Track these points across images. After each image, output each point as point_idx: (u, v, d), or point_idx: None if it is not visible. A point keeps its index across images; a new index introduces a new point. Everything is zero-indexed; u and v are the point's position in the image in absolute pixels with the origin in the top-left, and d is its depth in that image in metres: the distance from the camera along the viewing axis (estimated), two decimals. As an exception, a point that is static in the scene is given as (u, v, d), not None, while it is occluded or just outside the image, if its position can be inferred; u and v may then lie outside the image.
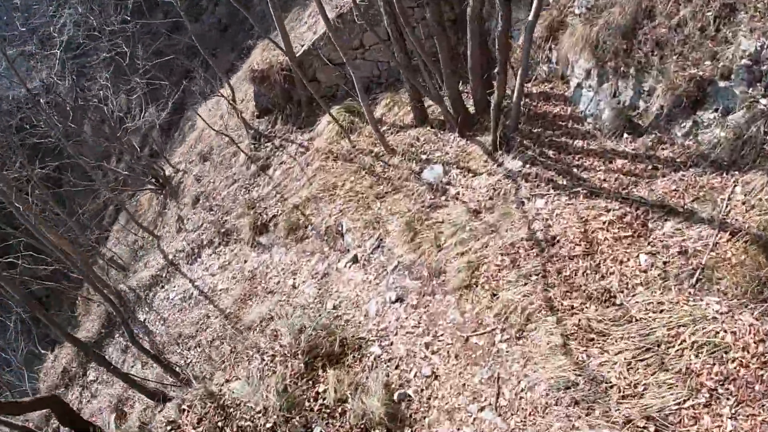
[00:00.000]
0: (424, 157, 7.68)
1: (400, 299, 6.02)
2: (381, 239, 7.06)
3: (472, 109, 7.57)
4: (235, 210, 9.60)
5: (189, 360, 8.19)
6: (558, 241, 5.03)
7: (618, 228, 4.81)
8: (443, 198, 6.75)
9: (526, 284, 4.85)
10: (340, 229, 7.79)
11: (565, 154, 5.99)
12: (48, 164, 11.79)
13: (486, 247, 5.52)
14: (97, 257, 13.38)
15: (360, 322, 6.13)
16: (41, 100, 11.48)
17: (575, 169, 5.67)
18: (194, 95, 12.99)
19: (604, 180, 5.40)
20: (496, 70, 6.01)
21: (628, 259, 4.64)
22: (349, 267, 7.22)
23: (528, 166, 6.12)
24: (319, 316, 6.35)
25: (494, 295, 5.15)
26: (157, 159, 13.52)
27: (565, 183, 5.58)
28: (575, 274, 4.73)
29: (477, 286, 5.37)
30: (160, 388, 7.16)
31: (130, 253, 13.73)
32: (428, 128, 8.11)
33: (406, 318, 5.71)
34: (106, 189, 13.52)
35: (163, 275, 9.98)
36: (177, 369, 7.27)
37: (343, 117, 9.16)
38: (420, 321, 5.56)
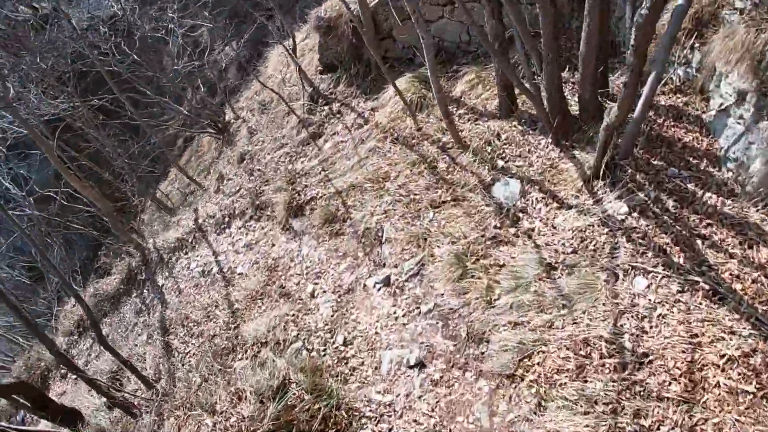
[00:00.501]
0: (500, 163, 6.16)
1: (421, 364, 4.77)
2: (423, 264, 5.77)
3: (574, 110, 5.87)
4: (275, 181, 8.58)
5: (187, 350, 7.42)
6: (650, 363, 3.49)
7: (739, 374, 3.17)
8: (512, 230, 5.29)
9: (587, 413, 3.38)
10: (380, 234, 6.56)
11: (689, 210, 4.27)
12: (105, 96, 11.25)
13: (549, 328, 4.06)
14: (145, 198, 13.02)
15: (365, 379, 4.97)
16: (104, 29, 10.86)
17: (700, 242, 3.98)
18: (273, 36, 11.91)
19: (738, 277, 3.68)
20: (624, 78, 4.28)
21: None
22: (379, 289, 6.03)
23: (635, 214, 4.50)
24: (322, 354, 5.17)
25: (541, 405, 3.70)
26: (227, 100, 12.70)
27: (681, 262, 3.93)
28: (658, 428, 3.17)
29: (522, 381, 4.00)
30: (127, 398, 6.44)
31: (180, 197, 13.27)
32: (514, 123, 6.53)
33: (420, 397, 4.49)
34: (168, 126, 12.99)
35: (189, 240, 9.27)
36: (151, 380, 6.45)
37: (414, 89, 7.72)
38: (435, 408, 4.32)
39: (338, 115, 8.90)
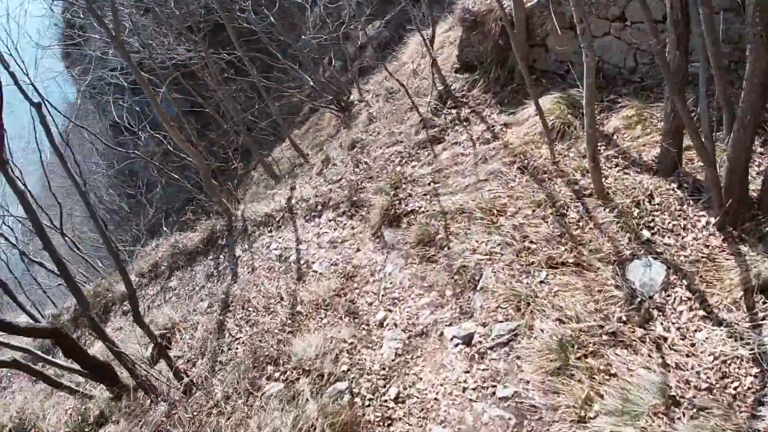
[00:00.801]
0: (646, 234, 5.07)
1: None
2: (517, 335, 4.89)
3: (753, 189, 4.63)
4: (378, 180, 7.96)
5: (238, 336, 7.04)
6: None
7: None
8: (639, 332, 4.28)
9: None
10: (476, 278, 5.72)
11: None
12: (233, 52, 11.19)
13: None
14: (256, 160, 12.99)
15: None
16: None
17: None
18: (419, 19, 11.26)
19: None
20: None
21: None
22: (456, 345, 5.27)
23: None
24: (366, 404, 4.47)
25: None
26: (356, 79, 12.27)
27: None
28: None
29: None
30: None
31: (288, 167, 13.12)
32: (673, 186, 5.42)
33: None
34: (292, 94, 12.80)
35: (277, 219, 8.92)
36: (181, 370, 6.07)
37: (559, 112, 6.73)
38: None
39: (465, 123, 8.05)
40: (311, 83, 11.77)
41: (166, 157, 13.05)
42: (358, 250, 7.40)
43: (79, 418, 6.52)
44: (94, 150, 16.52)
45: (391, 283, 6.52)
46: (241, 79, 12.30)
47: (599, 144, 6.16)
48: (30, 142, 11.75)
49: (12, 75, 5.57)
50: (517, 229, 5.86)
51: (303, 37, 10.94)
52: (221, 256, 9.33)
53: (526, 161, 6.67)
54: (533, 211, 6.01)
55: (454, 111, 8.37)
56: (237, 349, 7.12)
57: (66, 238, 11.28)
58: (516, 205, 6.20)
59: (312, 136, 13.92)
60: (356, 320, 6.20)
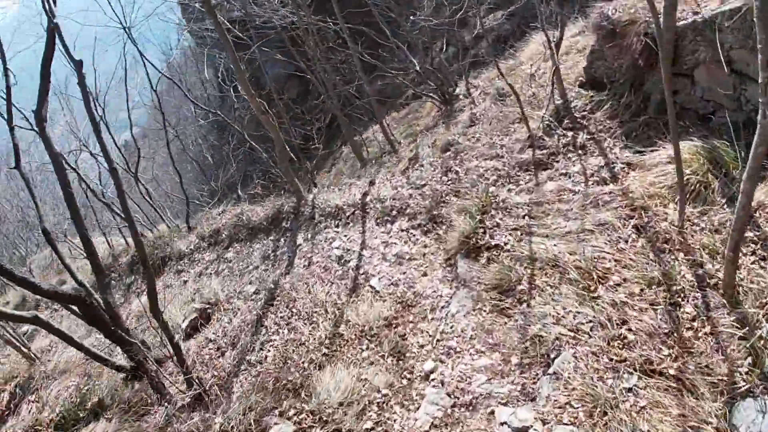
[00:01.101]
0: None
1: None
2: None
3: None
4: (465, 197, 6.90)
5: (272, 339, 6.38)
6: None
7: None
8: None
9: None
10: (551, 356, 4.63)
11: None
12: (336, 21, 10.37)
13: None
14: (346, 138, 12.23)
15: None
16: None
17: None
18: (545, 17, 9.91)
19: None
20: None
21: None
22: None
23: None
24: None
25: None
26: (466, 71, 11.14)
27: None
28: None
29: None
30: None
31: (377, 152, 12.28)
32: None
33: None
34: (395, 75, 11.85)
35: (347, 214, 8.10)
36: (195, 382, 5.39)
37: (698, 165, 5.44)
38: None
39: (580, 151, 6.81)
40: (417, 68, 10.77)
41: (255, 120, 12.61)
42: (425, 274, 6.45)
43: (78, 400, 6.09)
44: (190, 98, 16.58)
45: (451, 327, 5.54)
46: (346, 52, 11.49)
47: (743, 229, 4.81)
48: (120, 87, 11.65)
49: (56, 27, 5.01)
50: (616, 308, 4.68)
51: (414, 16, 9.93)
52: (282, 240, 8.69)
53: (645, 220, 5.39)
54: (641, 289, 4.79)
55: (569, 133, 7.11)
56: (269, 351, 6.47)
57: (140, 184, 11.12)
58: (622, 275, 4.99)
59: (409, 123, 12.96)
60: (400, 363, 5.30)
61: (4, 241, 18.58)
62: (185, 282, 9.56)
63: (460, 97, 10.77)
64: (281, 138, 8.08)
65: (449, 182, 7.56)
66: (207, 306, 8.08)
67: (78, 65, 5.08)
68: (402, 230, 7.29)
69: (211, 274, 9.20)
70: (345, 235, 7.81)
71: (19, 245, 18.83)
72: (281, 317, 6.92)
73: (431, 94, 11.25)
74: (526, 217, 6.24)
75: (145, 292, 10.59)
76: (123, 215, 5.45)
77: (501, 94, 9.19)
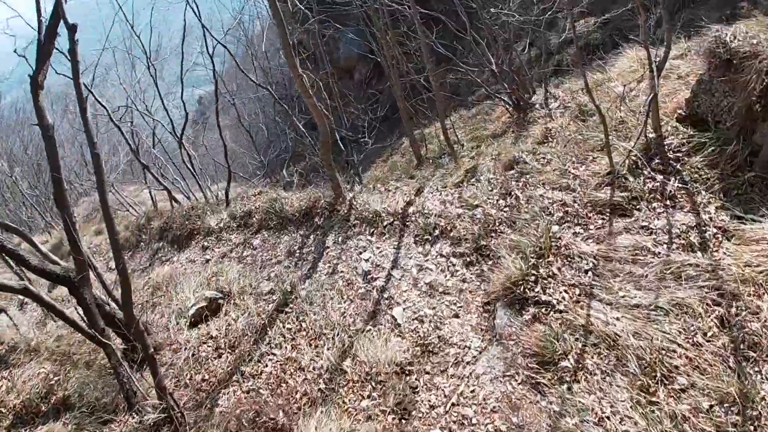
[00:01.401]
0: None
1: None
2: None
3: None
4: (521, 233, 5.87)
5: (273, 355, 5.68)
6: None
7: None
8: None
9: None
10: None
11: None
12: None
13: None
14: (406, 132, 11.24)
15: None
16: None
17: None
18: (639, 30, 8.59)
19: None
20: None
21: None
22: None
23: None
24: None
25: None
26: (546, 77, 9.95)
27: None
28: None
29: None
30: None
31: (437, 152, 11.26)
32: None
33: None
34: (466, 71, 10.74)
35: (384, 224, 7.25)
36: (168, 401, 4.69)
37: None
38: None
39: (668, 202, 5.65)
40: (493, 67, 9.67)
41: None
42: (457, 316, 5.52)
43: (44, 390, 5.52)
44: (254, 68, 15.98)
45: (472, 391, 4.62)
46: (416, 39, 10.51)
47: None
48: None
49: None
50: (674, 423, 3.64)
51: (497, 9, 8.81)
52: (311, 237, 7.92)
53: (734, 311, 4.26)
54: (711, 406, 3.71)
55: (659, 177, 5.93)
56: (266, 366, 5.74)
57: (183, 150, 10.59)
58: (691, 379, 3.94)
59: (476, 125, 11.82)
60: (402, 424, 4.44)
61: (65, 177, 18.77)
62: (207, 261, 8.97)
63: (536, 106, 9.60)
64: (326, 125, 7.24)
65: (506, 208, 6.54)
66: (219, 296, 7.43)
67: (71, 29, 4.40)
68: (441, 255, 6.35)
69: (234, 258, 8.55)
70: (378, 247, 6.94)
71: (75, 184, 19.06)
72: (288, 329, 6.17)
73: (504, 98, 10.13)
74: (590, 274, 5.18)
75: (167, 262, 10.20)
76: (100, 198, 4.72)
77: (583, 111, 8.01)
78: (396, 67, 10.64)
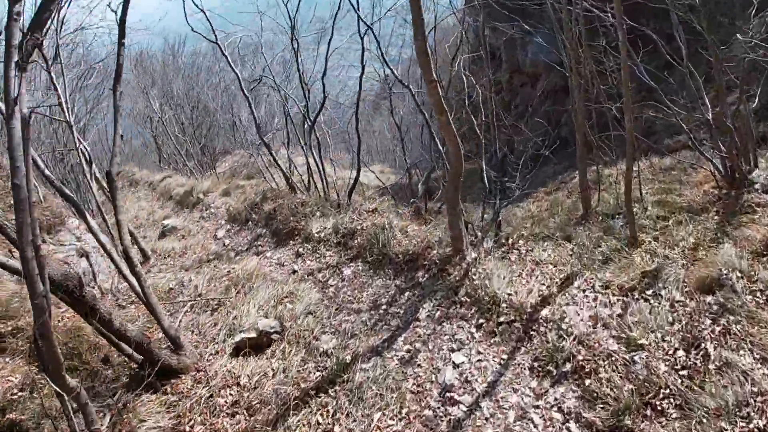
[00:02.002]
0: None
1: None
2: None
3: None
4: (698, 429, 3.51)
5: None
6: None
7: None
8: None
9: None
10: None
11: None
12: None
13: None
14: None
15: None
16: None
17: None
18: None
19: None
20: None
21: None
22: None
23: None
24: None
25: None
26: None
27: None
28: None
29: None
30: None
31: (612, 204, 8.62)
32: None
33: None
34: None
35: (499, 320, 5.15)
36: None
37: None
38: None
39: None
40: (708, 114, 6.88)
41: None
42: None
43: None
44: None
45: None
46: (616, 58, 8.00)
47: None
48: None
49: None
50: None
51: (737, 37, 6.00)
52: (406, 294, 6.09)
53: None
54: None
55: None
56: None
57: (313, 134, 9.21)
58: None
59: (669, 182, 8.84)
60: None
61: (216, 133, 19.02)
62: (294, 272, 7.55)
63: (756, 186, 6.71)
64: (461, 155, 5.24)
65: (684, 370, 4.14)
66: (273, 330, 5.93)
67: None
68: (560, 409, 4.15)
69: (318, 282, 7.02)
70: (479, 352, 4.88)
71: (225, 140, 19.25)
72: (316, 424, 4.43)
73: (713, 159, 7.27)
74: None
75: (260, 255, 8.99)
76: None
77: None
78: (584, 87, 8.18)
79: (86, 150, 7.57)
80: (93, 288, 7.47)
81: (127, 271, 5.38)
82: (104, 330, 4.84)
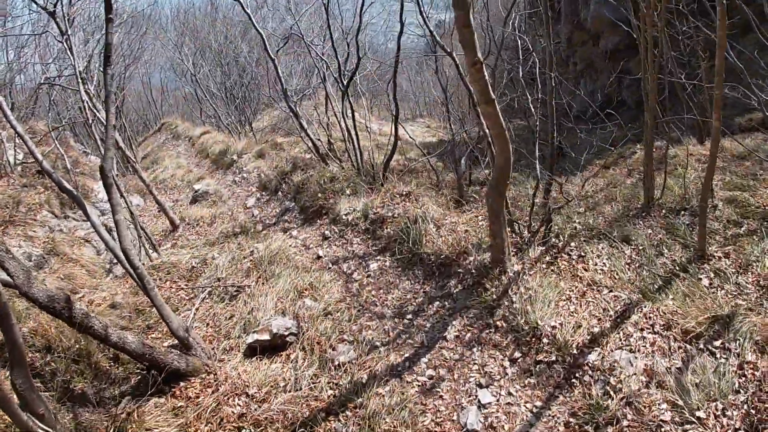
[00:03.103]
0: None
1: None
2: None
3: None
4: None
5: None
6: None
7: None
8: None
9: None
10: None
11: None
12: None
13: None
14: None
15: None
16: None
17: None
18: None
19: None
20: None
21: None
22: None
23: None
24: None
25: None
26: None
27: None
28: None
29: None
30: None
31: (679, 196, 7.59)
32: None
33: None
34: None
35: (539, 358, 4.48)
36: None
37: None
38: None
39: None
40: None
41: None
42: None
43: None
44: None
45: None
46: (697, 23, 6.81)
47: None
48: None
49: None
50: None
51: None
52: (435, 304, 5.48)
53: None
54: None
55: None
56: None
57: (346, 100, 8.41)
58: None
59: (746, 172, 7.62)
60: None
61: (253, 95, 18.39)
62: (318, 258, 7.02)
63: None
64: (509, 150, 4.39)
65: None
66: (289, 332, 5.45)
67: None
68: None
69: (342, 273, 6.47)
70: (510, 393, 4.25)
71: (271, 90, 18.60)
72: None
73: None
74: None
75: (286, 232, 8.47)
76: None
77: None
78: (655, 53, 6.98)
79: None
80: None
81: (131, 270, 4.96)
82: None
